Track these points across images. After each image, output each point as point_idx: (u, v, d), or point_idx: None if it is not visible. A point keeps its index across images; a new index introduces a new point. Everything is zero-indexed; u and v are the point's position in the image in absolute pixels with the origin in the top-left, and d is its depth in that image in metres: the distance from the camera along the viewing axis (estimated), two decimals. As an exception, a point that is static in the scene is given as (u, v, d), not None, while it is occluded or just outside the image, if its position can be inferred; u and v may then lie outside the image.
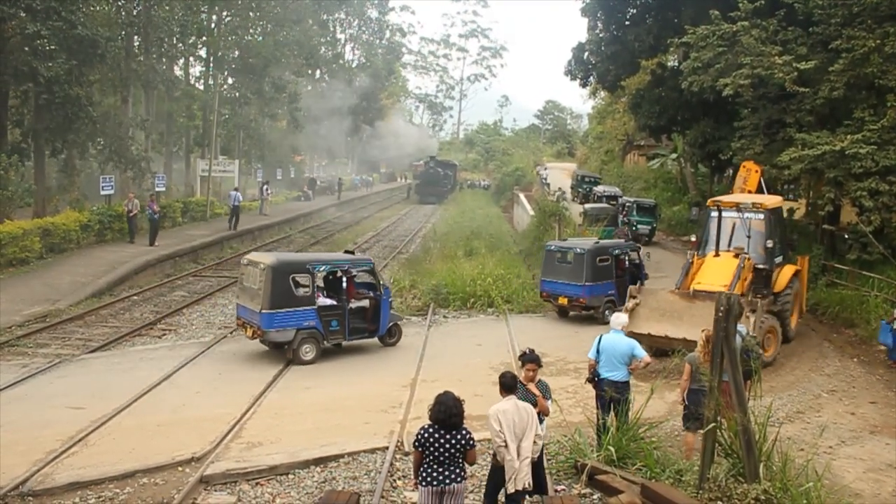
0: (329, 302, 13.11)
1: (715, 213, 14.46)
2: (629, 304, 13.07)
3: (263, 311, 12.21)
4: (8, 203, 21.92)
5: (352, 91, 56.61)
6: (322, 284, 13.33)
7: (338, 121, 52.83)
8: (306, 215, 39.50)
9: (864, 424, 10.23)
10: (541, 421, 6.70)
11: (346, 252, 15.04)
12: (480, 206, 45.11)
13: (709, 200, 15.58)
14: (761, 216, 13.96)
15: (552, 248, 17.17)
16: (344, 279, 13.28)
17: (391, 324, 13.90)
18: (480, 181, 67.20)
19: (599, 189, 33.90)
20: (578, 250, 16.26)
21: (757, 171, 16.59)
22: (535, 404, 6.58)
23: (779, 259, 14.21)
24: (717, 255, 14.02)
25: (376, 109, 59.84)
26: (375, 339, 13.79)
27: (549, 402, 7.01)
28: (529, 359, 6.97)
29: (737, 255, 13.43)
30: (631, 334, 12.40)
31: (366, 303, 13.67)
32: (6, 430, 8.93)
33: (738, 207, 14.14)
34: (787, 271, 14.22)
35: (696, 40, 18.69)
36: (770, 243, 13.64)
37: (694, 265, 13.98)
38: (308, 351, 12.67)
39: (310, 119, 48.60)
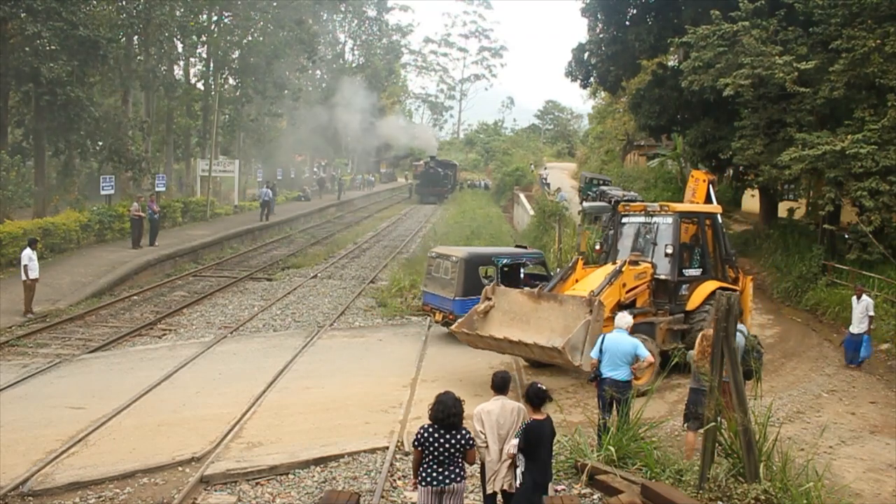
0: None
1: (623, 219, 13.42)
2: (481, 306, 11.90)
3: (456, 297, 13.77)
4: (8, 203, 21.94)
5: (352, 90, 56.63)
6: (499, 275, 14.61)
7: (337, 119, 52.84)
8: (307, 215, 39.52)
9: (864, 424, 10.25)
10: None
11: (518, 247, 16.59)
12: (480, 206, 45.09)
13: (619, 205, 14.31)
14: (669, 220, 12.55)
15: None
16: (521, 270, 14.79)
17: None
18: (480, 181, 67.17)
19: (617, 193, 33.48)
20: None
21: (705, 181, 15.68)
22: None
23: (696, 272, 12.75)
24: (614, 262, 12.66)
25: (376, 109, 59.84)
26: None
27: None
28: (533, 397, 6.05)
29: (634, 263, 12.00)
30: (470, 338, 11.60)
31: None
32: (6, 430, 8.93)
33: (646, 211, 13.12)
34: (706, 288, 12.45)
35: (697, 40, 18.69)
36: (670, 250, 12.07)
37: (578, 272, 12.62)
38: None
39: (310, 118, 48.60)
